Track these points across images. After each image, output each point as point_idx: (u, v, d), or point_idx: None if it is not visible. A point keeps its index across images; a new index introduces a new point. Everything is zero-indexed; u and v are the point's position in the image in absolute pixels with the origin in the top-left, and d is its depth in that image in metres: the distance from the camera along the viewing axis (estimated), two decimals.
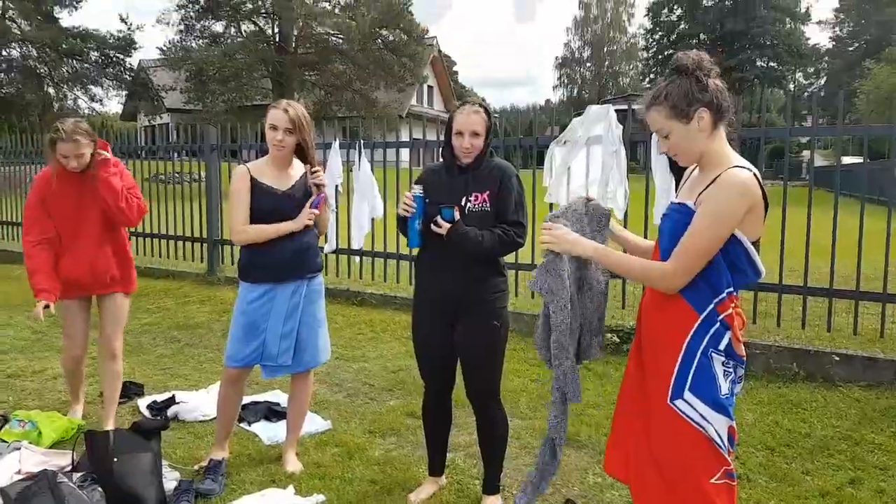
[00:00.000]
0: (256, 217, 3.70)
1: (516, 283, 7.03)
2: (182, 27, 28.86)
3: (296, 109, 3.69)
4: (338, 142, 7.80)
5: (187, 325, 7.34)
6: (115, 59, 30.49)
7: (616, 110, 6.10)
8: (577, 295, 2.69)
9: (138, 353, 6.21)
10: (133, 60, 31.82)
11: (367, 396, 5.22)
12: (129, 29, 29.64)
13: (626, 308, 6.53)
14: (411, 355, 3.89)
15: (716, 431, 2.26)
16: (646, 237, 3.15)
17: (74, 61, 30.04)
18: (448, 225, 3.17)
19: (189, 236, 9.77)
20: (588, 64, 73.29)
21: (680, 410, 2.28)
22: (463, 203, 3.26)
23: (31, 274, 4.11)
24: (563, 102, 69.92)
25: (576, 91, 73.31)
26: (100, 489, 3.41)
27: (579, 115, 6.25)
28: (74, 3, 30.49)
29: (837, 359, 5.40)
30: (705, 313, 2.26)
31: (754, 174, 2.23)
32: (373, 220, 7.63)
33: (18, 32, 28.86)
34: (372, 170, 7.65)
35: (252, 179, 3.71)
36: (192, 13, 28.67)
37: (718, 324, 2.26)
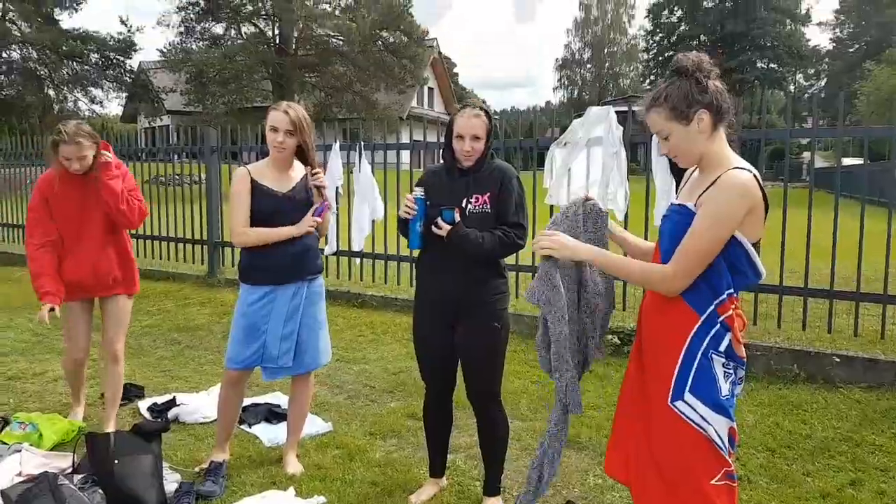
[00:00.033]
0: (257, 219, 3.70)
1: (517, 285, 7.03)
2: (182, 29, 28.89)
3: (296, 111, 3.70)
4: (338, 143, 7.80)
5: (188, 327, 7.34)
6: (115, 60, 30.45)
7: (616, 112, 6.09)
8: (576, 303, 2.69)
9: (139, 356, 6.21)
10: (133, 62, 31.86)
11: (367, 398, 5.22)
12: (129, 31, 29.64)
13: (626, 310, 6.53)
14: (412, 357, 3.89)
15: (716, 433, 2.26)
16: (646, 239, 3.15)
17: (74, 63, 30.02)
18: (448, 226, 3.17)
19: (189, 238, 9.76)
20: (588, 65, 73.26)
21: (680, 412, 2.28)
22: (463, 205, 3.26)
23: (34, 277, 4.10)
24: (563, 104, 70.00)
25: (576, 93, 73.27)
26: (100, 491, 3.41)
27: (580, 116, 6.25)
28: (74, 5, 30.50)
29: (838, 360, 5.40)
30: (706, 315, 2.26)
31: (754, 175, 2.23)
32: (373, 221, 7.63)
33: (18, 34, 28.83)
34: (372, 171, 7.66)
35: (252, 181, 3.72)
36: (192, 15, 28.67)
37: (719, 325, 2.26)
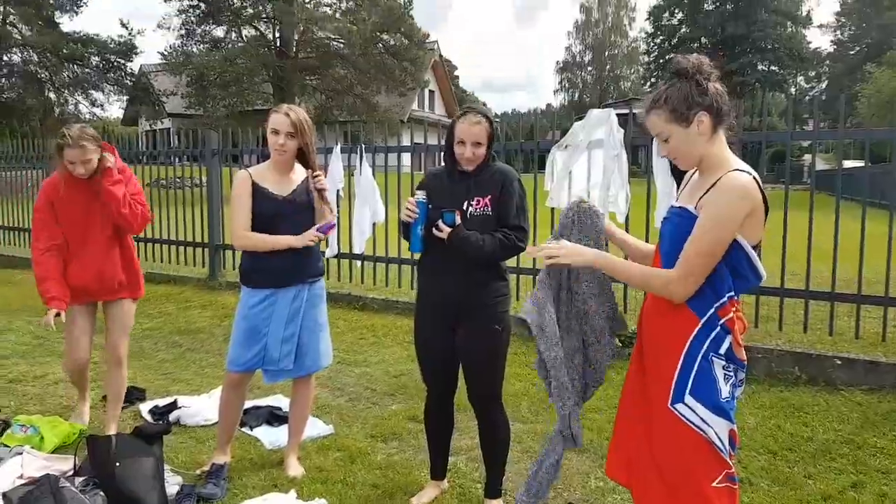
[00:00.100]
0: (258, 222, 3.70)
1: (518, 288, 7.03)
2: (183, 32, 28.88)
3: (297, 113, 3.70)
4: (339, 146, 7.81)
5: (189, 329, 7.34)
6: (115, 63, 30.45)
7: (617, 114, 6.09)
8: (567, 315, 2.70)
9: (140, 358, 6.21)
10: (134, 65, 31.84)
11: (368, 401, 5.22)
12: (129, 34, 29.61)
13: (627, 312, 6.53)
14: (413, 359, 3.89)
15: (717, 435, 2.26)
16: (647, 241, 3.15)
17: (75, 66, 30.01)
18: (449, 229, 3.17)
19: (190, 241, 9.76)
20: (589, 68, 73.28)
21: (681, 414, 2.29)
22: (464, 207, 3.26)
23: (40, 281, 4.10)
24: (564, 106, 70.05)
25: (577, 95, 73.27)
26: (102, 494, 3.42)
27: (580, 119, 6.26)
28: (75, 8, 30.52)
29: (839, 362, 5.40)
30: (706, 317, 2.26)
31: (754, 177, 2.23)
32: (374, 224, 7.64)
33: (19, 37, 28.84)
34: (373, 174, 7.66)
35: (253, 184, 3.72)
36: (192, 18, 28.68)
37: (719, 328, 2.26)
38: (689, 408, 2.27)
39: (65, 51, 28.22)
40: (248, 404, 4.66)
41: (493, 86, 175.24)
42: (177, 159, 10.81)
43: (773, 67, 58.56)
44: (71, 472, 3.66)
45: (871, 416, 4.81)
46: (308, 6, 29.24)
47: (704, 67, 2.27)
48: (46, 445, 4.19)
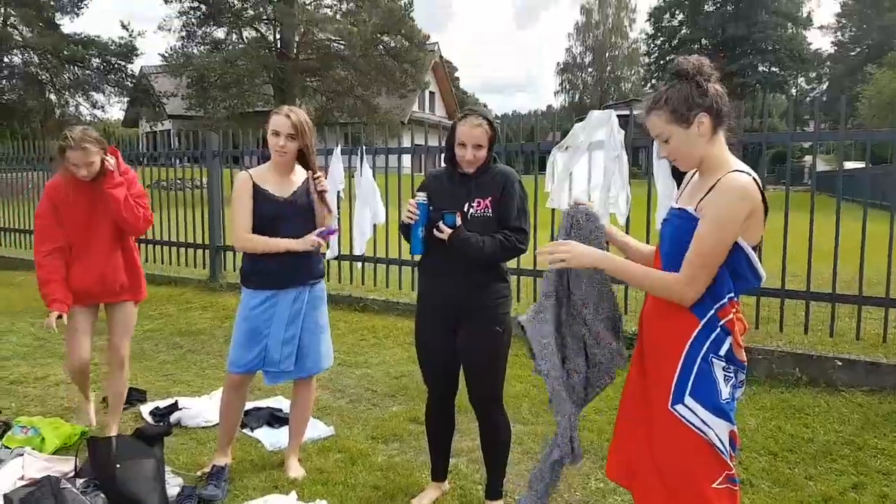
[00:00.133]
0: (259, 223, 3.70)
1: (518, 289, 7.03)
2: (183, 33, 28.90)
3: (298, 115, 3.70)
4: (339, 148, 7.81)
5: (190, 331, 7.34)
6: (116, 65, 30.47)
7: (618, 115, 6.10)
8: (567, 324, 2.70)
9: (141, 360, 6.21)
10: (135, 67, 31.84)
11: (369, 402, 5.22)
12: (130, 35, 29.63)
13: (628, 314, 6.52)
14: (414, 361, 3.89)
15: (717, 436, 2.26)
16: (648, 242, 3.15)
17: (76, 68, 30.05)
18: (450, 230, 3.17)
19: (191, 243, 9.77)
20: (590, 69, 73.26)
21: (681, 416, 2.28)
22: (465, 209, 3.26)
23: (42, 284, 4.09)
24: (564, 108, 70.03)
25: (577, 96, 73.22)
26: (102, 495, 3.42)
27: (581, 120, 6.26)
28: (76, 9, 30.55)
29: (840, 364, 5.40)
30: (706, 319, 2.26)
31: (754, 178, 2.23)
32: (375, 225, 7.64)
33: (20, 39, 28.88)
34: (374, 176, 7.66)
35: (254, 185, 3.72)
36: (193, 20, 28.71)
37: (719, 329, 2.26)
38: (690, 409, 2.27)
39: (65, 52, 28.25)
40: (248, 406, 4.66)
41: (493, 87, 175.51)
42: (177, 161, 10.80)
43: (773, 69, 58.55)
44: (72, 474, 3.67)
45: (871, 418, 4.81)
46: (309, 8, 29.28)
47: (705, 69, 2.27)
48: (47, 447, 4.19)
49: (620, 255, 2.73)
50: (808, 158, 32.98)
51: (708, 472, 2.28)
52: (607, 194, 5.94)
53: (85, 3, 30.55)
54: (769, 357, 5.57)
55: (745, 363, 2.33)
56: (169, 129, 33.66)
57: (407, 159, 8.33)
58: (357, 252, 7.79)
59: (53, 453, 4.15)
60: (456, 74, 64.98)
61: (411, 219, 3.27)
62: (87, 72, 30.27)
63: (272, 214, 3.70)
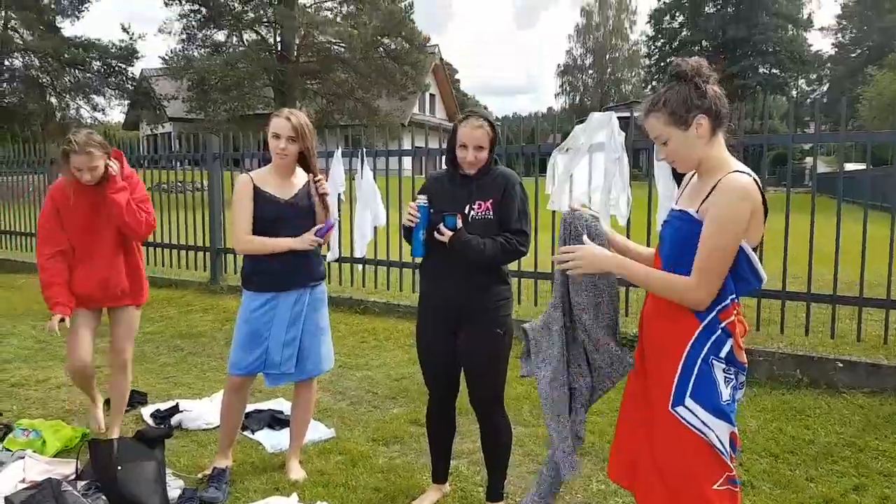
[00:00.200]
0: (260, 226, 3.70)
1: (519, 291, 7.03)
2: (184, 36, 28.91)
3: (298, 118, 3.70)
4: (340, 150, 7.82)
5: (190, 333, 7.35)
6: (117, 68, 30.52)
7: (618, 117, 6.10)
8: (570, 329, 2.71)
9: (142, 362, 6.21)
10: (135, 70, 31.91)
11: (370, 404, 5.22)
12: (130, 38, 29.69)
13: (629, 315, 6.53)
14: (415, 363, 3.89)
15: (717, 438, 2.26)
16: (649, 244, 3.15)
17: (76, 71, 30.08)
18: (450, 232, 3.17)
19: (192, 245, 9.78)
20: (590, 71, 73.38)
21: (681, 417, 2.28)
22: (466, 211, 3.26)
23: (45, 287, 4.08)
24: (565, 110, 70.14)
25: (578, 98, 73.36)
26: (103, 498, 3.42)
27: (582, 122, 6.27)
28: (76, 12, 30.61)
29: (841, 365, 5.39)
30: (707, 321, 2.26)
31: (753, 179, 2.23)
32: (375, 228, 7.64)
33: (21, 42, 28.93)
34: (374, 178, 7.66)
35: (255, 188, 3.72)
36: (194, 22, 28.74)
37: (720, 331, 2.26)
38: (690, 411, 2.27)
39: (66, 55, 28.26)
40: (249, 408, 4.66)
41: (494, 89, 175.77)
42: (178, 163, 10.80)
43: (774, 70, 58.59)
44: (73, 476, 3.67)
45: (872, 419, 4.80)
46: (309, 10, 29.32)
47: (703, 70, 2.27)
48: (48, 449, 4.19)
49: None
50: (808, 160, 33.03)
51: (709, 473, 2.28)
52: (608, 196, 5.94)
53: (85, 6, 30.64)
54: (770, 359, 5.57)
55: (746, 365, 2.33)
56: (169, 132, 33.69)
57: (407, 161, 8.35)
58: (358, 254, 7.79)
59: (54, 456, 4.15)
60: (456, 76, 65.09)
61: (412, 221, 3.27)
62: (88, 75, 30.32)
63: (273, 216, 3.70)
